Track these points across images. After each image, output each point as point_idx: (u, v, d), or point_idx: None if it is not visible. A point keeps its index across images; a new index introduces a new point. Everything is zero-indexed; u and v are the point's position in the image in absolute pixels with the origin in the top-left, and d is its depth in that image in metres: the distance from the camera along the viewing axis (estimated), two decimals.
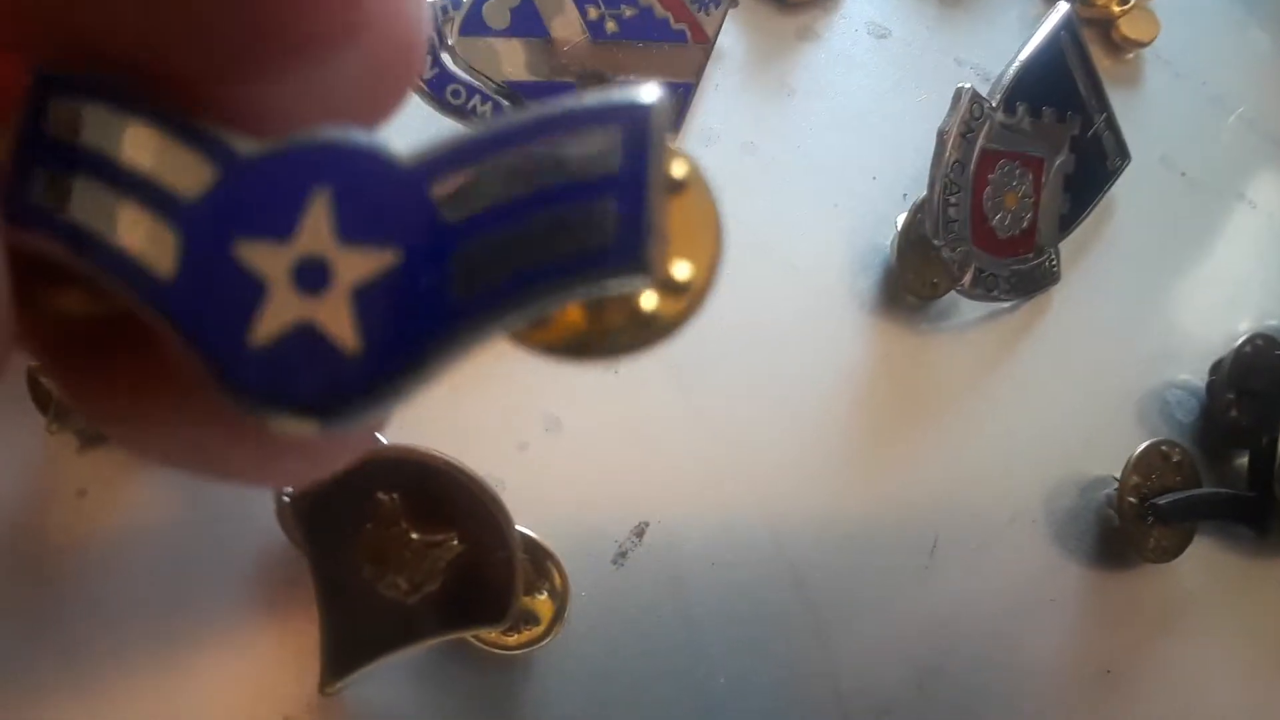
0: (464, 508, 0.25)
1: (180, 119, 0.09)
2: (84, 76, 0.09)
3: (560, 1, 0.30)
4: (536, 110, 0.09)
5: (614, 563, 0.29)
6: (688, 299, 0.10)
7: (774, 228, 0.34)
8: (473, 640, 0.27)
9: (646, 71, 0.31)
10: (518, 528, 0.25)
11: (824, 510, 0.32)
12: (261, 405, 0.09)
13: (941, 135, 0.32)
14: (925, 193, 0.32)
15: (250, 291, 0.09)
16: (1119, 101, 0.36)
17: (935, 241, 0.32)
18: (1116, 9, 0.39)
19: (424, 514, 0.25)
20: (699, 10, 0.32)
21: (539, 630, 0.27)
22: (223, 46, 0.09)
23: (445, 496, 0.25)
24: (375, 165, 0.09)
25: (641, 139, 0.09)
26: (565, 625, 0.27)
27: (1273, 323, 0.37)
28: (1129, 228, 0.38)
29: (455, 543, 0.25)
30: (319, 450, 0.11)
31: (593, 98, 0.09)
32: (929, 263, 0.33)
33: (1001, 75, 0.34)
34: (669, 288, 0.09)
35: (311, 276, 0.09)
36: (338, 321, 0.09)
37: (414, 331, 0.09)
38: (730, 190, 0.33)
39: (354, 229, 0.09)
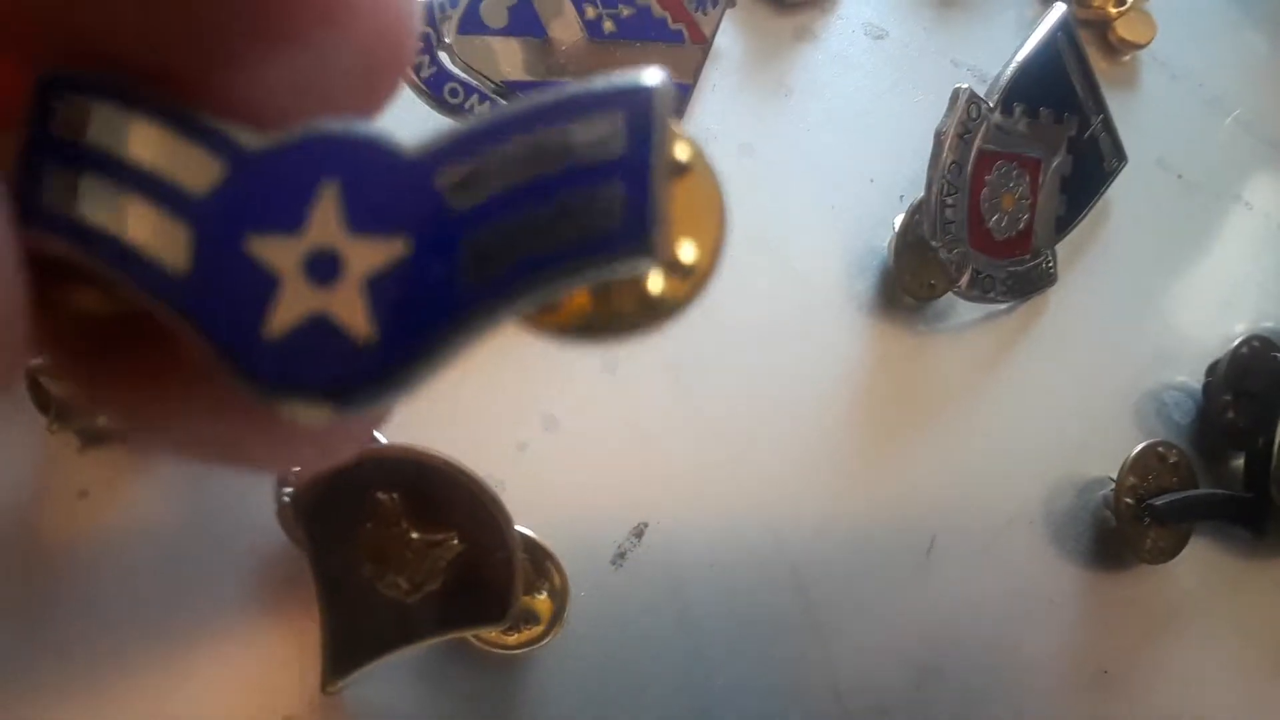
0: (464, 507, 0.25)
1: (185, 115, 0.09)
2: (87, 76, 0.09)
3: (558, 1, 0.30)
4: (539, 97, 0.09)
5: (613, 563, 0.29)
6: (693, 280, 0.10)
7: (771, 228, 0.34)
8: (473, 640, 0.27)
9: None
10: (517, 527, 0.25)
11: (822, 511, 0.32)
12: (278, 395, 0.09)
13: (938, 136, 0.32)
14: (922, 194, 0.32)
15: (263, 285, 0.09)
16: (1116, 103, 0.36)
17: (932, 243, 0.32)
18: (1113, 11, 0.39)
19: (424, 514, 0.25)
20: (696, 10, 0.32)
21: (538, 630, 0.27)
22: (211, 34, 0.09)
23: (445, 496, 0.25)
24: (381, 156, 0.09)
25: (645, 123, 0.09)
26: (564, 625, 0.27)
27: (1269, 324, 0.38)
28: (1126, 229, 0.38)
29: (455, 542, 0.25)
30: (329, 436, 0.11)
31: (595, 83, 0.09)
32: (926, 264, 0.33)
33: (998, 76, 0.34)
34: (675, 269, 0.09)
35: (323, 268, 0.09)
36: (351, 312, 0.09)
37: (426, 319, 0.09)
38: (727, 191, 0.33)
39: (363, 220, 0.09)
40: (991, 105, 0.33)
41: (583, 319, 0.10)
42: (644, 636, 0.29)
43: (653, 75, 0.09)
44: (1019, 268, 0.35)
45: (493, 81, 0.29)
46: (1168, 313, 0.38)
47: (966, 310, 0.35)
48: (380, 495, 0.25)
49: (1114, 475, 0.33)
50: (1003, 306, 0.35)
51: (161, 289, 0.09)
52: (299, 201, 0.09)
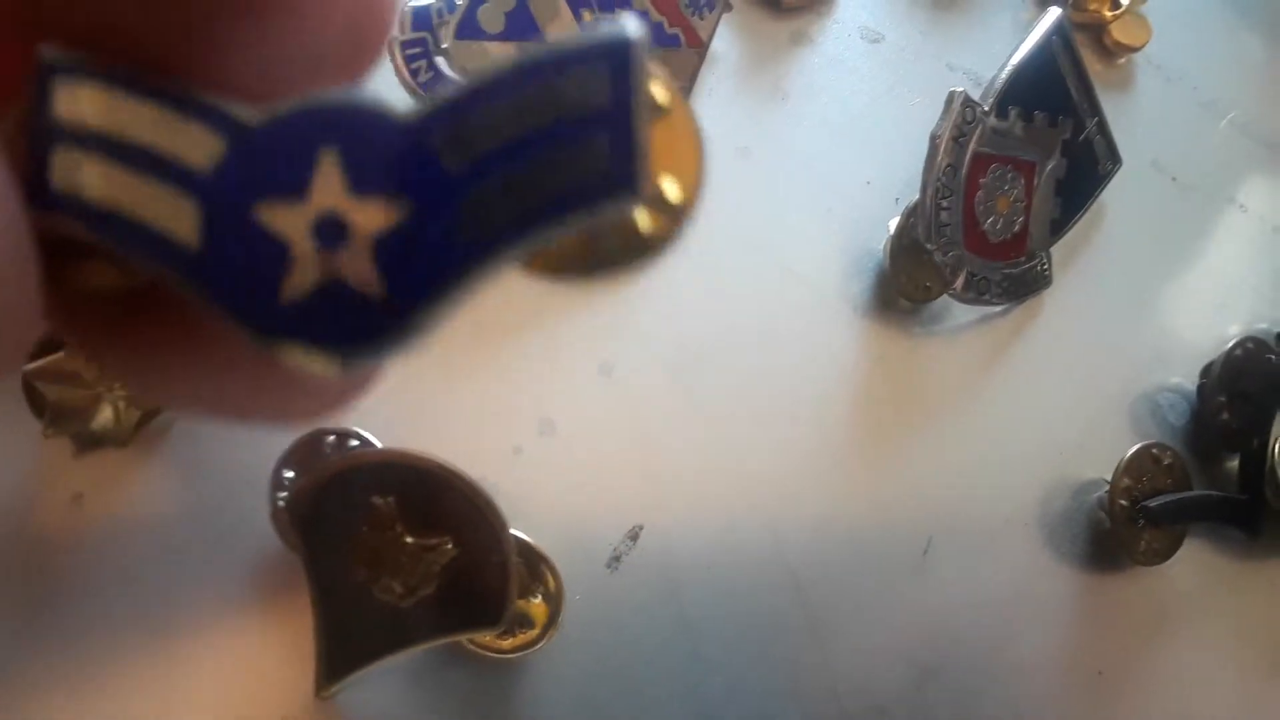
0: (459, 511, 0.25)
1: (182, 94, 0.10)
2: (85, 60, 0.09)
3: (555, 6, 0.30)
4: (523, 55, 0.09)
5: (608, 566, 0.29)
6: (677, 215, 0.10)
7: (768, 231, 0.34)
8: (467, 644, 0.27)
9: None
10: (512, 531, 0.25)
11: (819, 512, 0.32)
12: (297, 355, 0.09)
13: (934, 139, 0.32)
14: (918, 197, 0.32)
15: (274, 251, 0.09)
16: (1110, 106, 0.36)
17: (928, 245, 0.32)
18: (1108, 14, 0.39)
19: (419, 518, 0.25)
20: (693, 15, 0.32)
21: (533, 634, 0.27)
22: (202, 12, 0.09)
23: (440, 500, 0.25)
24: (375, 121, 0.10)
25: (625, 73, 0.09)
26: (559, 629, 0.27)
27: (1263, 326, 0.38)
28: (1120, 232, 0.38)
29: (450, 546, 0.25)
30: (333, 390, 0.12)
31: (576, 36, 0.09)
32: (922, 266, 0.33)
33: (994, 80, 0.34)
34: (659, 206, 0.10)
35: (330, 232, 0.09)
36: (360, 272, 0.09)
37: (431, 275, 0.09)
38: (724, 194, 0.33)
39: (364, 183, 0.09)
40: (986, 108, 0.33)
41: (575, 259, 0.10)
42: (640, 639, 0.29)
43: (630, 26, 0.09)
44: (1014, 270, 0.35)
45: None
46: (1162, 315, 0.38)
47: (962, 312, 0.35)
48: (375, 499, 0.25)
49: (1109, 477, 0.33)
50: (998, 308, 0.36)
51: (174, 263, 0.09)
52: (301, 170, 0.09)
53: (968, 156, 0.33)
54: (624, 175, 0.09)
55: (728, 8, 0.33)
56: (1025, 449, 0.34)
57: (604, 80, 0.09)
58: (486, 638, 0.27)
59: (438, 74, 0.29)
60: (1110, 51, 0.40)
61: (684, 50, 0.33)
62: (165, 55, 0.10)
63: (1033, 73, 0.34)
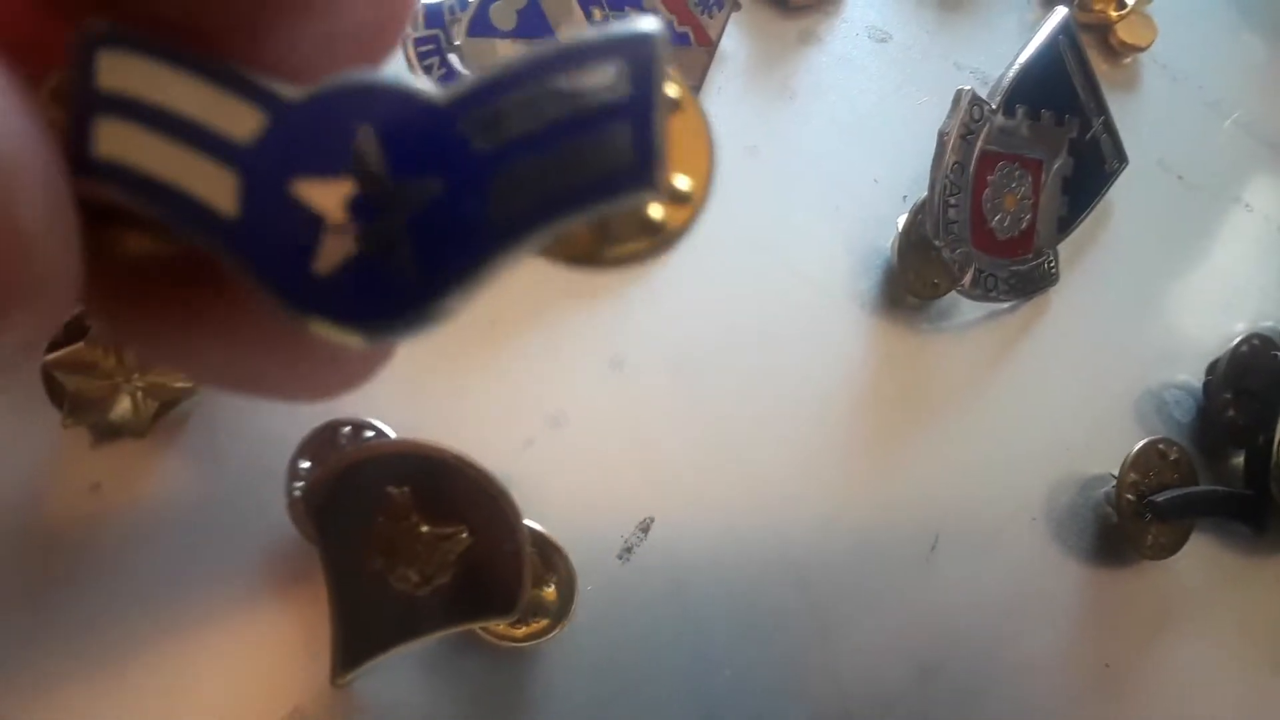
0: (473, 501, 0.25)
1: (224, 69, 0.10)
2: (129, 31, 0.10)
3: (567, 4, 0.31)
4: (550, 47, 0.10)
5: (619, 558, 0.30)
6: (689, 207, 0.10)
7: (776, 229, 0.34)
8: (481, 632, 0.27)
9: None
10: (525, 522, 0.26)
11: (826, 508, 0.32)
12: (331, 327, 0.10)
13: (941, 137, 0.32)
14: (925, 194, 0.33)
15: (310, 224, 0.10)
16: (1116, 105, 0.37)
17: (935, 242, 0.32)
18: (1114, 14, 0.39)
19: (434, 507, 0.25)
20: (702, 13, 0.33)
21: (546, 623, 0.27)
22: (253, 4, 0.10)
23: (455, 490, 0.25)
24: (410, 104, 0.10)
25: (646, 69, 0.10)
26: (571, 619, 0.27)
27: (1268, 323, 0.38)
28: (1126, 230, 0.38)
29: (465, 536, 0.25)
30: (354, 367, 0.12)
31: (600, 32, 0.10)
32: (929, 263, 0.34)
33: (1001, 79, 0.34)
34: (673, 198, 0.10)
35: (365, 207, 0.10)
36: (394, 248, 0.10)
37: (461, 253, 0.10)
38: (733, 192, 0.34)
39: (398, 162, 0.10)
40: (994, 107, 0.33)
41: (590, 249, 0.11)
42: (650, 630, 0.29)
43: (650, 23, 0.10)
44: (1021, 267, 0.35)
45: None
46: (1168, 312, 0.38)
47: (969, 309, 0.35)
48: (391, 489, 0.25)
49: (1115, 472, 0.34)
50: (1005, 306, 0.36)
51: (213, 231, 0.10)
52: (339, 146, 0.10)
53: (975, 154, 0.33)
54: (644, 165, 0.09)
55: (736, 7, 0.33)
56: (1032, 445, 0.35)
57: (626, 74, 0.10)
58: (500, 626, 0.27)
59: (450, 70, 0.30)
60: (1116, 51, 0.40)
61: (693, 48, 0.33)
62: (205, 33, 0.10)
63: (1039, 72, 0.34)
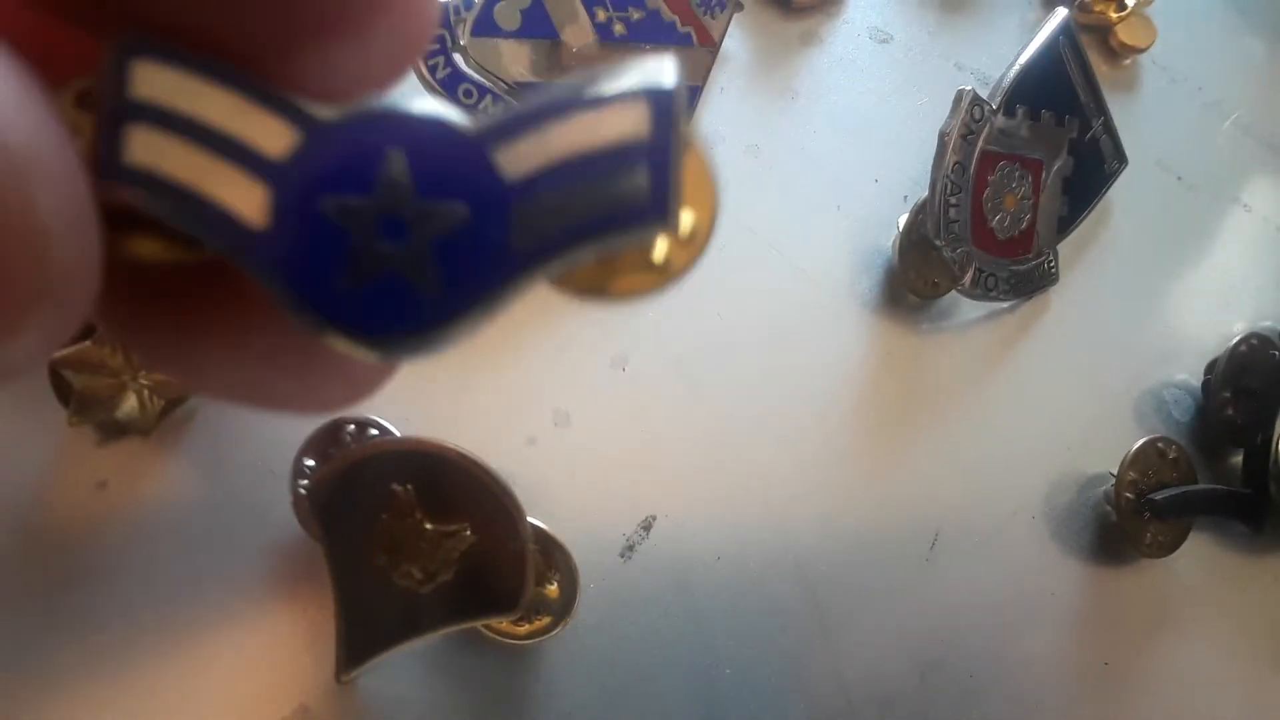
0: (477, 499, 0.25)
1: (259, 86, 0.10)
2: (163, 44, 0.10)
3: (571, 4, 0.31)
4: (577, 84, 0.10)
5: (622, 556, 0.30)
6: (692, 247, 0.11)
7: (778, 228, 0.34)
8: (484, 630, 0.27)
9: None
10: (529, 519, 0.26)
11: (828, 506, 0.32)
12: (352, 340, 0.10)
13: (942, 137, 0.33)
14: (926, 194, 0.33)
15: (338, 240, 0.10)
16: (1116, 106, 0.37)
17: (936, 242, 0.33)
18: (1114, 15, 0.40)
19: (438, 505, 0.25)
20: (705, 14, 0.33)
21: (549, 620, 0.28)
22: (291, 30, 0.10)
23: (458, 488, 0.25)
24: (441, 131, 0.10)
25: (667, 113, 0.10)
26: (574, 616, 0.28)
27: (1267, 323, 0.38)
28: (1126, 230, 0.38)
29: (468, 533, 0.25)
30: (363, 380, 0.13)
31: (623, 74, 0.10)
32: (930, 263, 0.34)
33: (1001, 79, 0.34)
34: (677, 237, 0.11)
35: (392, 227, 0.10)
36: (418, 268, 0.10)
37: (483, 277, 0.10)
38: (735, 192, 0.34)
39: (427, 185, 0.10)
40: (994, 107, 0.33)
41: (599, 281, 0.11)
42: (652, 628, 0.30)
43: (670, 70, 0.10)
44: (1021, 267, 0.35)
45: (505, 83, 0.30)
46: (1167, 311, 0.38)
47: (969, 308, 0.36)
48: (395, 487, 0.25)
49: (1114, 471, 0.34)
50: (1005, 305, 0.36)
51: (241, 241, 0.10)
52: (369, 167, 0.10)
53: (976, 154, 0.33)
54: (660, 203, 0.10)
55: (739, 7, 0.33)
56: (1032, 444, 0.35)
57: (647, 116, 0.10)
58: (503, 624, 0.27)
59: (455, 70, 0.30)
60: (1116, 52, 0.40)
61: (696, 49, 0.33)
62: (245, 55, 0.10)
63: (1040, 73, 0.35)
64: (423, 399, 0.29)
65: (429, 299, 0.10)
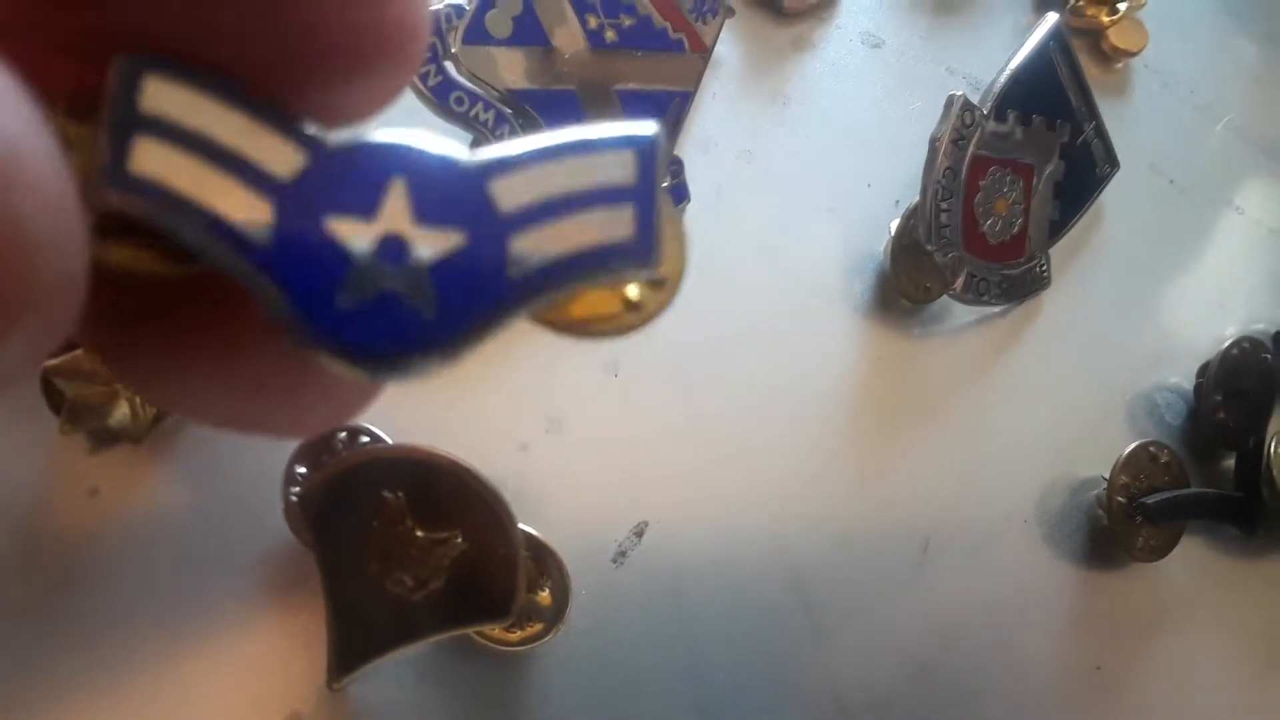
0: (468, 506, 0.25)
1: (267, 108, 0.11)
2: (173, 61, 0.10)
3: (561, 10, 0.31)
4: (572, 132, 0.11)
5: (614, 562, 0.30)
6: (666, 293, 0.12)
7: (770, 233, 0.34)
8: (476, 637, 0.27)
9: (645, 80, 0.32)
10: (520, 526, 0.26)
11: (820, 511, 0.32)
12: (349, 361, 0.10)
13: (934, 142, 0.33)
14: (918, 199, 0.33)
15: (339, 260, 0.10)
16: (1108, 110, 0.37)
17: (928, 246, 0.33)
18: (1105, 19, 0.40)
19: (429, 512, 0.25)
20: (696, 20, 0.33)
21: (540, 627, 0.28)
22: (307, 67, 0.11)
23: (450, 495, 0.25)
24: (441, 161, 0.11)
25: (650, 160, 0.11)
26: (566, 623, 0.28)
27: (1259, 326, 0.38)
28: (1118, 234, 0.39)
29: (459, 540, 0.25)
30: (344, 403, 0.13)
31: (612, 126, 0.11)
32: (922, 267, 0.34)
33: (992, 84, 0.34)
34: (653, 283, 0.12)
35: (392, 250, 0.10)
36: (416, 291, 0.10)
37: (478, 303, 0.11)
38: (727, 197, 0.34)
39: (427, 213, 0.11)
40: (985, 112, 0.33)
41: (580, 317, 0.12)
42: (644, 634, 0.30)
43: (650, 126, 0.11)
44: (1013, 271, 0.35)
45: (497, 90, 0.30)
46: (1160, 315, 0.38)
47: (961, 313, 0.36)
48: (386, 494, 0.25)
49: (1106, 475, 0.34)
50: (997, 309, 0.36)
51: (244, 255, 0.10)
52: (372, 192, 0.11)
53: (967, 159, 0.33)
54: (644, 241, 0.11)
55: (730, 13, 0.33)
56: (1024, 448, 0.35)
57: (633, 163, 0.11)
58: (495, 630, 0.27)
59: (446, 78, 0.30)
60: (1108, 56, 0.40)
61: (688, 55, 0.33)
62: (256, 81, 0.10)
63: (1031, 77, 0.35)
64: (414, 405, 0.29)
65: (426, 321, 0.10)
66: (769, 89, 0.36)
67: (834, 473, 0.33)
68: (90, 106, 0.10)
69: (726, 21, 0.33)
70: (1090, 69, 0.38)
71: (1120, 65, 0.41)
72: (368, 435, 0.27)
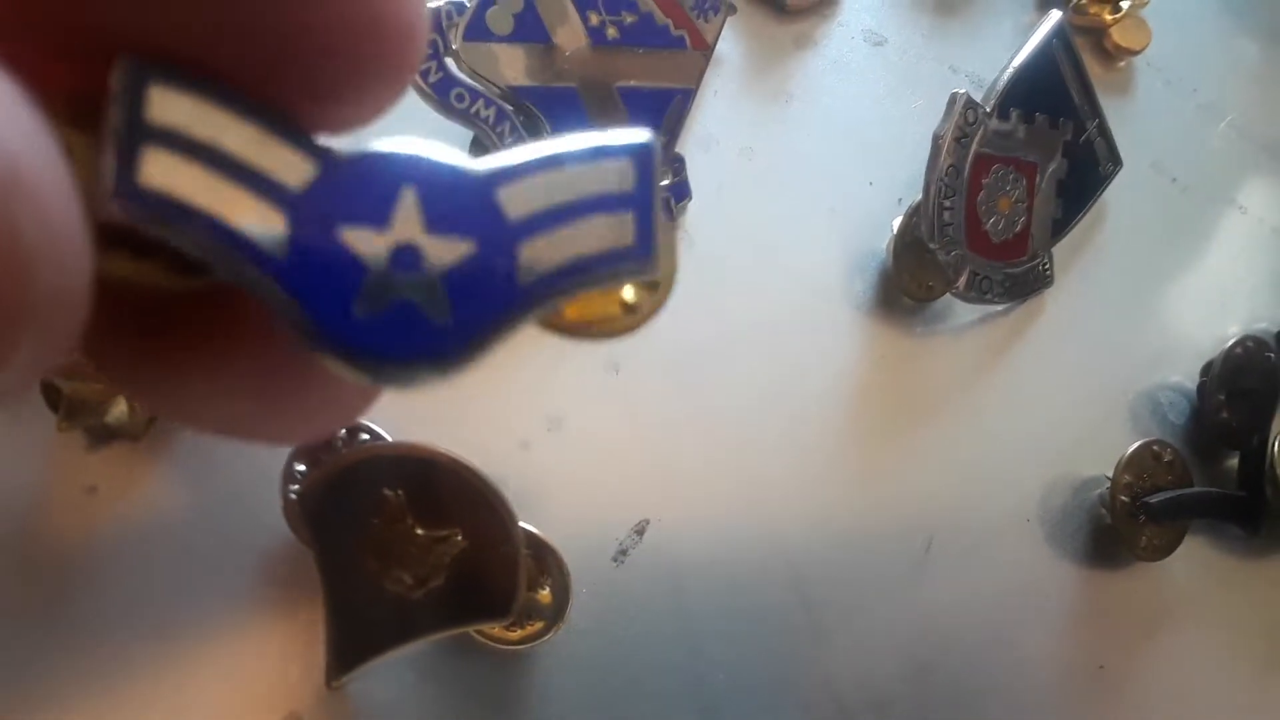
0: (468, 504, 0.25)
1: (276, 118, 0.11)
2: (175, 68, 0.10)
3: (563, 7, 0.31)
4: (571, 140, 0.11)
5: (615, 560, 0.30)
6: (659, 295, 0.12)
7: (772, 231, 0.34)
8: (475, 635, 0.27)
9: (646, 77, 0.32)
10: (521, 524, 0.26)
11: (821, 509, 0.32)
12: (368, 370, 0.11)
13: (936, 140, 0.33)
14: (920, 197, 0.33)
15: (355, 270, 0.10)
16: (1111, 108, 0.37)
17: (930, 245, 0.32)
18: (1108, 17, 0.40)
19: (429, 510, 0.25)
20: (698, 17, 0.33)
21: (541, 625, 0.27)
22: (312, 77, 0.11)
23: (450, 493, 0.25)
24: (450, 170, 0.11)
25: (647, 168, 0.11)
26: (566, 621, 0.27)
27: (1262, 325, 0.38)
28: (1121, 232, 0.38)
29: (459, 538, 0.25)
30: (341, 410, 0.13)
31: (609, 135, 0.11)
32: (924, 266, 0.34)
33: (995, 82, 0.34)
34: (647, 286, 0.12)
35: (406, 259, 0.11)
36: (430, 299, 0.11)
37: (490, 309, 0.11)
38: (729, 195, 0.34)
39: (438, 221, 0.11)
40: (988, 110, 0.33)
41: (581, 320, 0.12)
42: (645, 632, 0.29)
43: (646, 133, 0.12)
44: (1016, 270, 0.35)
45: (498, 87, 0.30)
46: (1162, 314, 0.38)
47: (964, 311, 0.35)
48: (386, 492, 0.25)
49: (1109, 474, 0.34)
50: (1000, 308, 0.36)
51: (259, 267, 0.10)
52: (385, 202, 0.11)
53: (970, 157, 0.33)
54: (644, 246, 0.11)
55: (732, 10, 0.33)
56: (1026, 446, 0.35)
57: (631, 170, 0.11)
58: (495, 629, 0.27)
59: (447, 75, 0.30)
60: (1110, 54, 0.40)
61: (689, 52, 0.33)
62: (262, 90, 0.10)
63: (1034, 75, 0.35)
64: (414, 403, 0.29)
65: (441, 329, 0.11)
66: (771, 87, 0.36)
67: (835, 471, 0.33)
68: (87, 112, 0.10)
69: (728, 19, 0.33)
70: (1093, 67, 0.37)
71: (1123, 63, 0.41)
72: (367, 433, 0.27)
